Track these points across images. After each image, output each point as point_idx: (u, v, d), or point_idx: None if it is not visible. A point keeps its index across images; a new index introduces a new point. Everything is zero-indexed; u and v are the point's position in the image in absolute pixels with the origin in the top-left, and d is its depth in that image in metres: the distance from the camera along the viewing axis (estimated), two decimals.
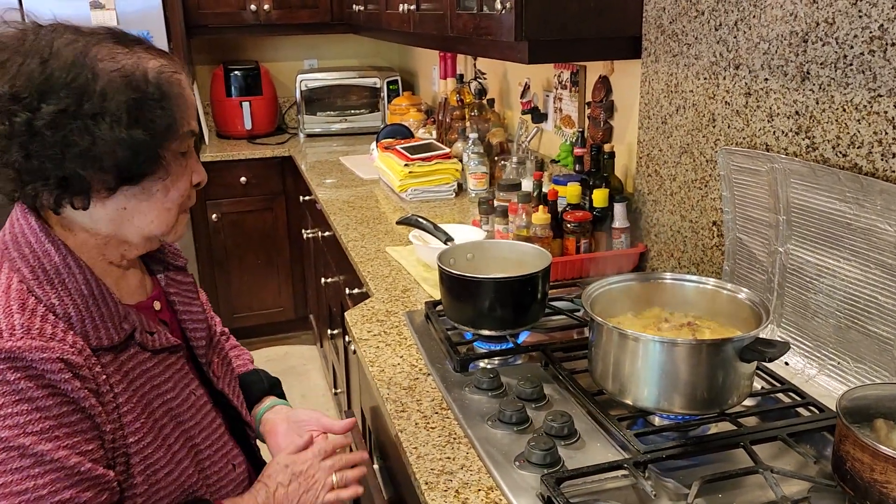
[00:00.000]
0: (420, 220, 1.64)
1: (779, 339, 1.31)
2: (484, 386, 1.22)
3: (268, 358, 3.62)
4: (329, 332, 2.90)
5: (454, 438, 1.11)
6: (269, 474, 1.08)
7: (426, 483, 1.01)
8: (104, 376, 0.89)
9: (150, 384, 0.97)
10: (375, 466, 1.50)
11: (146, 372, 0.96)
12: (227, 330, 1.38)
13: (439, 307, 1.52)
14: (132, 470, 0.90)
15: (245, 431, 1.17)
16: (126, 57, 0.89)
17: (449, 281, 1.38)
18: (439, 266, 1.39)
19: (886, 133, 1.10)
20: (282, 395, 1.34)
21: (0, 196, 0.91)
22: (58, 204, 0.89)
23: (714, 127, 1.48)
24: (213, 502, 1.00)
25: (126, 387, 0.92)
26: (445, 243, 1.57)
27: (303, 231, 3.22)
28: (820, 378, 1.23)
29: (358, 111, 3.86)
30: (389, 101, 3.68)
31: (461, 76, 2.90)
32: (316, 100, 3.81)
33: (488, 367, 1.30)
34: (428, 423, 1.16)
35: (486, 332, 1.36)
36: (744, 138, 1.40)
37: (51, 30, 0.89)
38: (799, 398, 1.15)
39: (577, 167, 1.99)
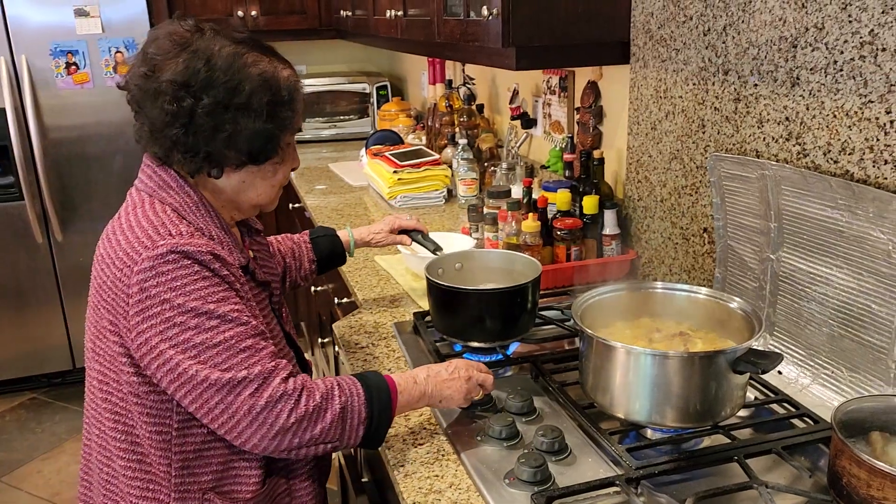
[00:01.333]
0: (415, 232, 1.62)
1: (771, 347, 1.30)
2: (473, 401, 1.19)
3: None
4: (320, 340, 2.87)
5: (442, 455, 1.09)
6: (430, 365, 1.21)
7: (413, 503, 0.98)
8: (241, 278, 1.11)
9: (258, 306, 1.16)
10: (364, 480, 1.47)
11: (255, 296, 1.17)
12: None
13: (428, 318, 1.49)
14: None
15: (305, 367, 1.33)
16: (266, 63, 1.09)
17: (437, 292, 1.36)
18: (427, 277, 1.37)
19: (878, 139, 1.08)
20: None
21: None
22: (197, 170, 1.10)
23: (704, 133, 1.47)
24: (384, 375, 1.13)
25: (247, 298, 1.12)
26: (434, 253, 1.54)
27: None
28: (814, 388, 1.21)
29: (347, 117, 3.83)
30: (379, 107, 3.66)
31: (450, 81, 2.88)
32: (304, 106, 3.77)
33: None
34: (416, 439, 1.13)
35: (475, 344, 1.34)
36: (734, 144, 1.39)
37: (212, 34, 1.08)
38: (793, 409, 1.13)
39: (567, 173, 1.97)
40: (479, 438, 1.11)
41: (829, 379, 1.19)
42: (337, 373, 2.41)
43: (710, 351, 1.04)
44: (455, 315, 1.34)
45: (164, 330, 1.00)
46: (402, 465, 1.06)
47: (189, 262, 1.02)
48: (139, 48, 1.09)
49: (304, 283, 1.55)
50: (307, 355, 3.57)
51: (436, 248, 1.57)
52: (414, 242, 1.66)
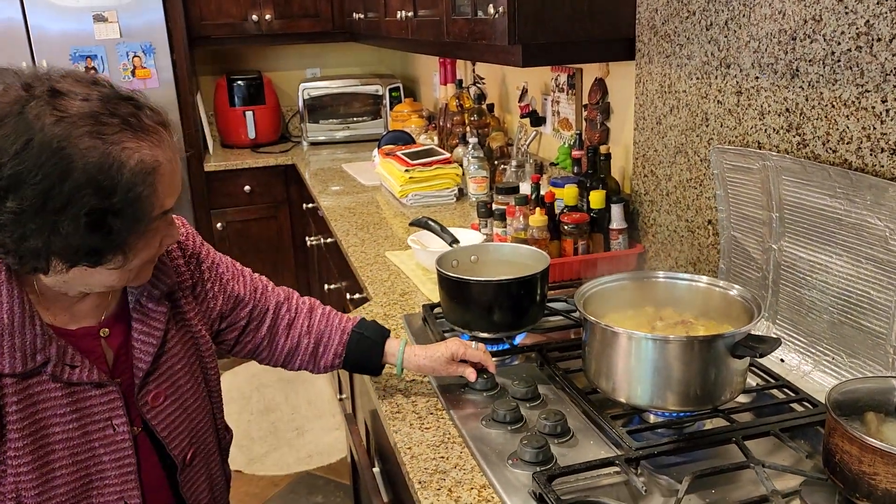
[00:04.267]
0: (430, 222, 1.65)
1: (773, 335, 1.31)
2: (479, 386, 1.23)
3: None
4: None
5: (448, 438, 1.12)
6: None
7: (419, 482, 1.02)
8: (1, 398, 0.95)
9: (51, 412, 0.99)
10: (375, 470, 1.51)
11: (49, 401, 0.99)
12: (297, 299, 1.31)
13: (437, 309, 1.53)
14: (2, 479, 0.96)
15: (169, 469, 1.13)
16: (110, 145, 0.87)
17: (447, 283, 1.39)
18: (437, 269, 1.41)
19: (874, 128, 1.10)
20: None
21: None
22: (19, 266, 0.93)
23: (707, 126, 1.49)
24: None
25: (21, 409, 0.96)
26: (451, 245, 1.57)
27: (306, 238, 3.24)
28: (815, 374, 1.23)
29: (360, 118, 3.88)
30: (391, 108, 3.69)
31: (460, 82, 2.92)
32: (318, 108, 3.83)
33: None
34: (423, 423, 1.17)
35: (483, 335, 1.37)
36: (736, 136, 1.41)
37: (41, 104, 0.86)
38: (793, 394, 1.15)
39: (576, 169, 1.99)
40: (483, 423, 1.14)
41: (830, 365, 1.21)
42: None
43: (709, 335, 1.07)
44: (464, 306, 1.37)
45: None
46: (409, 448, 1.10)
47: None
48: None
49: (318, 372, 1.30)
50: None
51: (453, 241, 1.57)
52: (423, 238, 1.67)
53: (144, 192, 0.90)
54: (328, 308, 1.31)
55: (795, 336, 1.28)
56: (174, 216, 1.06)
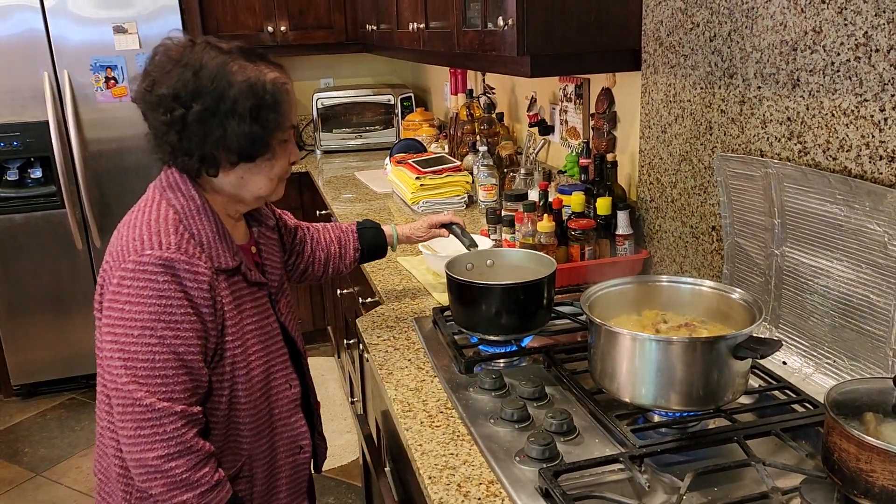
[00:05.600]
0: (454, 225, 1.74)
1: (775, 338, 1.34)
2: (487, 386, 1.26)
3: None
4: (345, 342, 2.95)
5: (458, 436, 1.16)
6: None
7: (429, 477, 1.05)
8: (220, 292, 1.21)
9: (246, 307, 1.28)
10: (387, 469, 1.54)
11: (244, 297, 1.28)
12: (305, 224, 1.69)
13: (447, 312, 1.57)
14: (223, 363, 1.23)
15: (300, 360, 1.45)
16: (251, 70, 1.19)
17: (456, 287, 1.43)
18: (447, 273, 1.44)
19: (873, 136, 1.14)
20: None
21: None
22: (197, 172, 1.22)
23: (711, 135, 1.52)
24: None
25: (231, 303, 1.24)
26: (468, 248, 1.63)
27: None
28: (816, 376, 1.25)
29: (373, 127, 3.93)
30: (403, 118, 3.75)
31: (471, 91, 2.96)
32: (332, 117, 3.89)
33: (492, 368, 1.34)
34: (433, 421, 1.20)
35: (491, 338, 1.41)
36: (739, 145, 1.44)
37: (202, 47, 1.19)
38: (794, 395, 1.18)
39: (583, 177, 2.03)
40: (491, 421, 1.17)
41: (831, 368, 1.23)
42: (362, 373, 2.48)
43: (712, 336, 1.10)
44: (474, 309, 1.41)
45: (113, 325, 1.14)
46: (420, 445, 1.13)
47: (164, 278, 1.14)
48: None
49: (346, 269, 1.69)
50: (333, 359, 3.64)
51: (471, 244, 1.65)
52: (435, 244, 1.74)
53: (281, 97, 1.21)
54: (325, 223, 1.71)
55: (798, 339, 1.31)
56: None
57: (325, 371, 3.66)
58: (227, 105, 1.16)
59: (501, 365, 1.38)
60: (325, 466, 2.84)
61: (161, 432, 1.13)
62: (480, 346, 1.44)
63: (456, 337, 1.46)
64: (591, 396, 1.19)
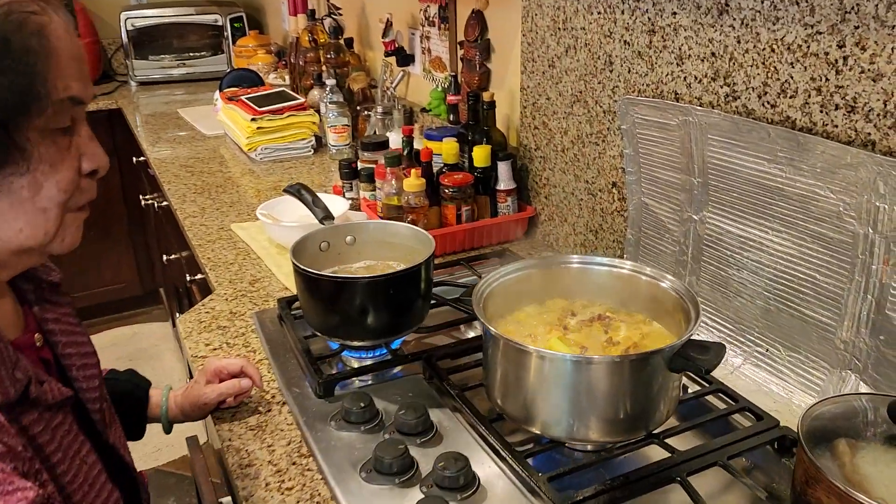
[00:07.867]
0: (302, 190, 1.30)
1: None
2: (354, 419, 0.95)
3: (113, 342, 3.18)
4: (178, 315, 2.52)
5: (317, 501, 0.85)
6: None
7: None
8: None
9: (48, 434, 0.72)
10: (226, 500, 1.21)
11: (43, 433, 0.71)
12: None
13: (296, 304, 1.23)
14: None
15: (130, 475, 0.90)
16: None
17: (308, 282, 1.08)
18: (293, 261, 1.09)
19: (827, 79, 0.90)
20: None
21: None
22: None
23: (611, 72, 1.25)
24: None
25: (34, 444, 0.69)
26: (322, 222, 1.24)
27: (141, 197, 2.77)
28: (746, 368, 1.06)
29: (199, 54, 3.38)
30: (234, 42, 3.26)
31: (313, 12, 2.52)
32: (147, 41, 3.29)
33: (359, 389, 1.03)
34: (283, 481, 0.88)
35: (356, 343, 1.09)
36: (648, 85, 1.18)
37: None
38: (732, 401, 0.97)
39: (452, 117, 1.72)
40: (363, 475, 0.87)
41: (763, 358, 1.04)
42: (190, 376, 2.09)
43: (644, 353, 0.85)
44: (328, 308, 1.08)
45: None
46: None
47: None
48: None
49: None
50: (168, 325, 3.12)
51: (325, 216, 1.26)
52: (300, 201, 1.31)
53: (31, 43, 0.65)
54: None
55: (720, 323, 1.11)
56: None
57: (158, 340, 3.19)
58: None
59: (369, 381, 1.07)
60: (163, 459, 2.46)
61: None
62: (343, 353, 1.12)
63: (309, 342, 1.12)
64: (490, 426, 0.91)
